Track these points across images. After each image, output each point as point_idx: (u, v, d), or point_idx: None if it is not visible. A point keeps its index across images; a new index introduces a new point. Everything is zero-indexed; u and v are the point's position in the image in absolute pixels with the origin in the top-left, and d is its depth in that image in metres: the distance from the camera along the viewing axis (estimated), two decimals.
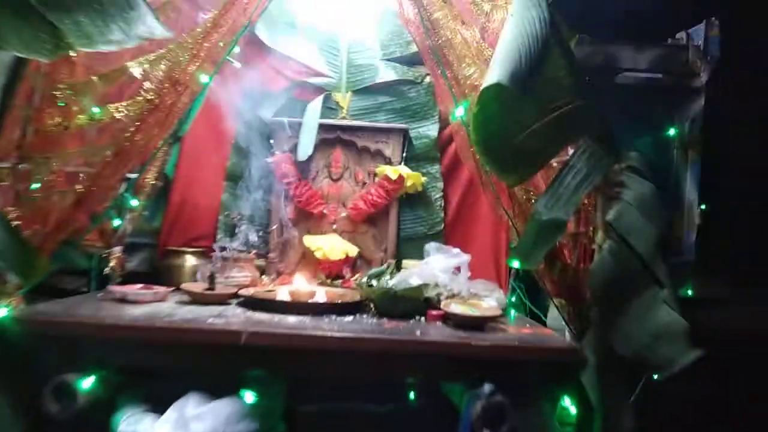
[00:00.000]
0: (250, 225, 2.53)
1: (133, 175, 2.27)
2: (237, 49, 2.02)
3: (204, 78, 1.75)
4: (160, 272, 2.42)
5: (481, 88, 1.42)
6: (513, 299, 2.36)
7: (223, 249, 2.41)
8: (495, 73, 1.41)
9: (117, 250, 2.36)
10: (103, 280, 2.28)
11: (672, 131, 2.47)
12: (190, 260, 2.40)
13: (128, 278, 2.38)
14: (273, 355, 1.69)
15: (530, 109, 1.51)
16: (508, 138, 1.49)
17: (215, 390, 1.77)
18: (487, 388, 1.66)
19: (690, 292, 2.36)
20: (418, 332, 1.76)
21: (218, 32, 1.71)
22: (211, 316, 1.83)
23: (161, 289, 2.09)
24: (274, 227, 2.52)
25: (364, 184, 2.58)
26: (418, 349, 1.69)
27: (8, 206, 1.73)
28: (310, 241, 2.48)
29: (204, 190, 2.56)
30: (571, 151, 1.72)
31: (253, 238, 2.51)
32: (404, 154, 2.55)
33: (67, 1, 1.43)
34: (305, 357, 1.67)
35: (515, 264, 1.67)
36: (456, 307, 1.93)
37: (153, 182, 2.40)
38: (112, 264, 2.32)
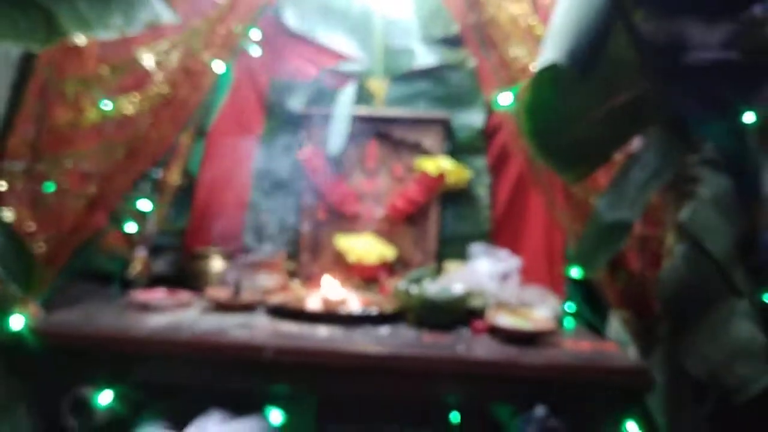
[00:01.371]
0: (280, 225, 2.48)
1: (156, 174, 2.25)
2: (257, 35, 1.93)
3: (220, 67, 1.69)
4: (185, 275, 2.39)
5: (535, 69, 1.30)
6: (569, 308, 2.22)
7: (248, 251, 2.37)
8: (550, 51, 1.30)
9: (142, 252, 2.35)
10: (128, 284, 2.28)
11: (748, 116, 2.30)
12: (216, 262, 2.37)
13: (153, 281, 2.38)
14: (301, 371, 1.62)
15: (592, 94, 1.39)
16: (567, 128, 1.37)
17: (239, 407, 1.72)
18: (540, 411, 1.56)
19: None
20: (461, 348, 1.66)
21: (235, 15, 1.64)
22: (235, 326, 1.78)
23: (185, 296, 2.06)
24: (306, 228, 2.45)
25: (402, 180, 2.48)
26: (460, 368, 1.59)
27: (24, 210, 1.72)
28: (343, 242, 2.41)
29: (230, 188, 2.52)
30: (637, 142, 1.59)
31: (284, 239, 2.47)
32: (446, 147, 2.44)
33: None
34: (336, 374, 1.60)
35: (574, 272, 1.55)
36: (504, 319, 1.82)
37: (177, 180, 2.38)
38: (136, 267, 2.32)
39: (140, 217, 2.13)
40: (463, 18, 1.76)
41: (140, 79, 1.68)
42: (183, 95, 1.66)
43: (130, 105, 1.64)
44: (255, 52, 2.09)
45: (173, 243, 2.52)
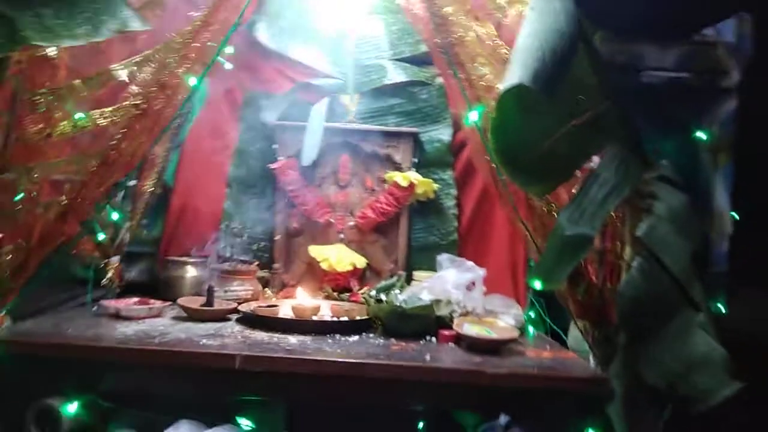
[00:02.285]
0: (253, 234, 2.40)
1: (131, 183, 2.15)
2: (230, 50, 1.87)
3: (193, 81, 1.61)
4: (159, 283, 2.29)
5: (501, 89, 1.26)
6: (532, 315, 2.19)
7: (223, 260, 2.28)
8: (516, 72, 1.25)
9: (115, 260, 2.24)
10: (101, 292, 2.17)
11: (700, 134, 2.30)
12: (191, 271, 2.26)
13: (127, 289, 2.27)
14: (271, 380, 1.54)
15: (555, 113, 1.35)
16: (531, 145, 1.33)
17: (209, 417, 1.63)
18: (503, 419, 1.51)
19: (722, 306, 2.21)
20: (428, 357, 1.60)
21: (209, 31, 1.57)
22: (206, 335, 1.70)
23: (157, 304, 1.96)
24: (278, 237, 2.37)
25: (373, 191, 2.43)
26: (427, 377, 1.53)
27: None
28: (316, 251, 2.34)
29: (205, 198, 2.42)
30: (596, 159, 1.56)
31: (257, 248, 2.38)
32: (415, 160, 2.40)
33: None
34: (306, 382, 1.53)
35: (536, 284, 1.51)
36: (470, 328, 1.77)
37: (152, 189, 2.28)
38: (110, 275, 2.21)
39: (113, 225, 2.03)
40: (431, 37, 1.70)
41: (113, 91, 1.60)
42: (157, 108, 1.58)
43: (103, 117, 1.55)
44: (228, 66, 2.01)
45: (147, 251, 2.42)
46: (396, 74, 2.44)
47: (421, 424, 1.65)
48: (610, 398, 1.51)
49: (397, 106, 2.45)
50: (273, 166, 2.36)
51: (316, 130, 2.33)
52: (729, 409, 1.49)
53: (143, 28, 1.36)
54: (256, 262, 2.31)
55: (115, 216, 1.88)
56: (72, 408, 1.53)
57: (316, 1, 2.32)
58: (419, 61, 2.45)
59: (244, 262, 2.31)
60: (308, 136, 2.33)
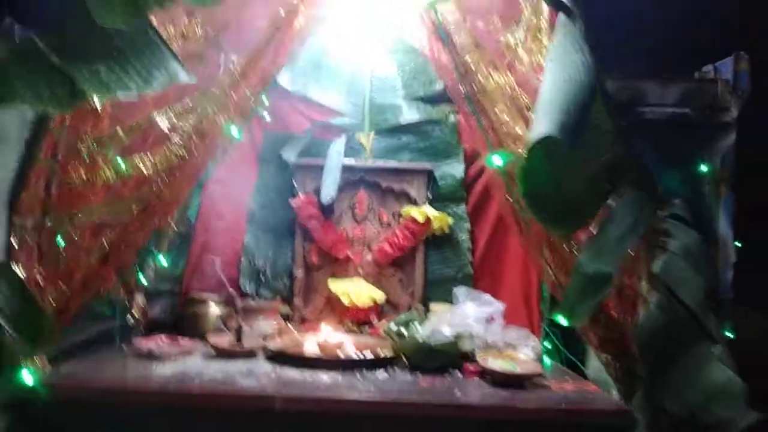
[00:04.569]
0: (274, 270, 2.47)
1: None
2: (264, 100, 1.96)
3: (234, 131, 1.69)
4: (182, 320, 2.34)
5: (530, 139, 1.35)
6: (547, 345, 2.26)
7: (245, 295, 2.34)
8: (543, 124, 1.35)
9: (139, 299, 2.30)
10: (125, 330, 2.22)
11: (702, 167, 2.40)
12: (213, 308, 2.32)
13: (150, 327, 2.32)
14: (307, 419, 1.60)
15: (576, 159, 1.44)
16: (558, 189, 1.42)
17: None
18: None
19: (729, 332, 2.29)
20: (458, 393, 1.67)
21: (247, 82, 1.66)
22: (240, 373, 1.75)
23: (187, 343, 2.02)
24: (299, 272, 2.44)
25: (389, 225, 2.51)
26: (460, 413, 1.60)
27: (32, 265, 1.67)
28: (336, 285, 2.41)
29: (226, 235, 2.49)
30: (612, 200, 1.65)
31: (278, 284, 2.45)
32: (429, 195, 2.48)
33: (86, 50, 1.38)
34: (342, 420, 1.58)
35: (562, 321, 1.59)
36: (494, 363, 1.84)
37: (175, 228, 2.34)
38: (134, 313, 2.27)
39: (142, 266, 2.09)
40: (454, 86, 1.80)
41: (155, 139, 1.67)
42: (197, 156, 1.66)
43: (144, 165, 1.62)
44: (267, 118, 2.11)
45: (170, 288, 2.47)
46: (410, 113, 2.54)
47: None
48: (634, 429, 1.58)
49: (412, 143, 2.55)
50: (293, 203, 2.43)
51: (335, 168, 2.42)
52: None
53: (190, 80, 1.44)
54: (279, 298, 2.37)
55: (162, 259, 1.94)
56: None
57: (334, 42, 2.42)
58: (432, 99, 2.55)
59: (266, 298, 2.37)
60: (327, 174, 2.41)
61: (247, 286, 2.45)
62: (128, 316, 2.24)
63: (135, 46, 1.36)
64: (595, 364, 1.96)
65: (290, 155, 2.48)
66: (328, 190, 2.41)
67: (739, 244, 2.34)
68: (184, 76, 1.43)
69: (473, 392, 1.69)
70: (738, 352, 1.68)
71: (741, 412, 1.49)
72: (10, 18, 1.71)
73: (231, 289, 2.27)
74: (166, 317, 2.44)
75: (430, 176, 2.49)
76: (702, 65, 2.45)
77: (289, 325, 2.34)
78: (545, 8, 1.63)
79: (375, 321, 2.38)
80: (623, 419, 1.58)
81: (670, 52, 2.57)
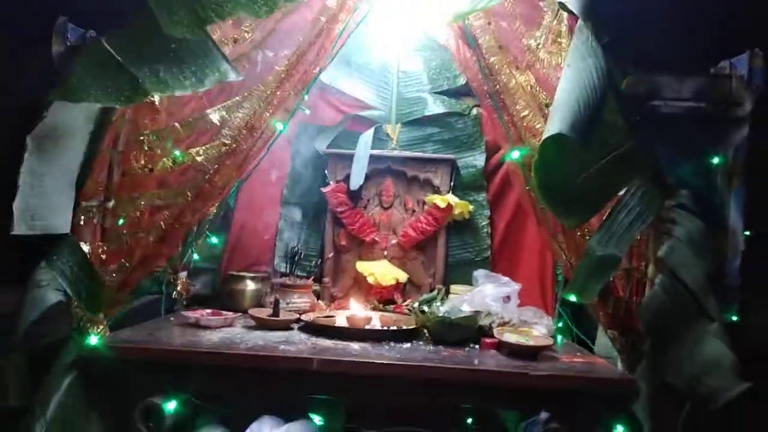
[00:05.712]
0: (306, 252, 2.67)
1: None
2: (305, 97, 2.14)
3: (279, 126, 1.89)
4: (221, 296, 2.56)
5: (543, 137, 1.52)
6: (560, 324, 2.43)
7: (284, 275, 2.55)
8: (556, 122, 1.51)
9: (183, 275, 2.52)
10: (171, 303, 2.44)
11: (716, 159, 2.52)
12: (250, 284, 2.52)
13: (192, 301, 2.55)
14: (338, 381, 1.80)
15: (589, 154, 1.60)
16: (569, 182, 1.59)
17: (281, 413, 1.89)
18: (543, 416, 1.74)
19: (735, 316, 2.43)
20: (476, 361, 1.86)
21: (290, 81, 1.85)
22: (279, 341, 1.96)
23: (229, 315, 2.23)
24: (330, 255, 2.64)
25: (414, 212, 2.69)
26: (477, 378, 1.78)
27: (96, 242, 1.88)
28: (363, 267, 2.60)
29: (262, 218, 2.69)
30: (622, 191, 1.80)
31: (309, 265, 2.65)
32: (452, 183, 2.65)
33: (146, 50, 1.58)
34: (371, 383, 1.78)
35: (572, 298, 1.76)
36: (509, 336, 2.02)
37: (216, 211, 2.55)
38: (178, 288, 2.49)
39: (190, 245, 2.30)
40: (479, 85, 1.97)
41: (208, 132, 1.87)
42: (245, 147, 1.86)
43: (198, 155, 1.83)
44: (307, 113, 2.31)
45: (210, 266, 2.68)
46: (435, 106, 2.71)
47: (469, 420, 1.91)
48: (636, 397, 1.75)
49: (436, 134, 2.72)
50: (324, 189, 2.63)
51: (363, 157, 2.60)
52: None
53: (238, 79, 1.63)
54: (312, 277, 2.57)
55: (214, 240, 2.15)
56: (171, 406, 1.79)
57: (364, 39, 2.60)
58: (456, 93, 2.72)
59: (299, 277, 2.58)
60: (356, 163, 2.60)
61: (281, 266, 2.65)
62: (173, 291, 2.47)
63: (189, 48, 1.55)
64: (603, 341, 2.13)
65: (322, 145, 2.67)
66: (357, 178, 2.59)
67: (748, 233, 2.48)
68: (233, 75, 1.62)
69: (489, 361, 1.87)
70: (747, 340, 1.83)
71: (732, 383, 1.64)
72: (63, 17, 1.92)
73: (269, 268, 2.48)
74: (207, 293, 2.66)
75: (453, 166, 2.66)
76: (718, 61, 2.57)
77: (320, 302, 2.55)
78: (565, 14, 1.79)
79: (399, 300, 2.57)
80: (626, 388, 1.75)
81: (688, 48, 2.69)
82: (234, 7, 1.42)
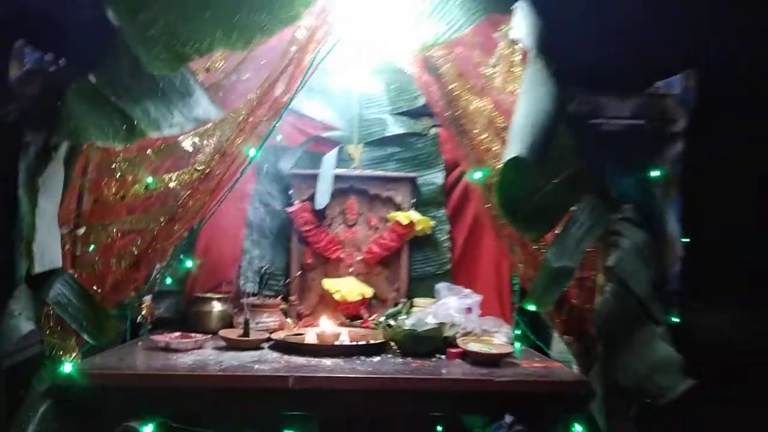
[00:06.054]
0: (271, 271, 2.72)
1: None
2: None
3: (251, 152, 1.96)
4: (186, 318, 2.58)
5: (503, 160, 1.65)
6: (517, 332, 2.57)
7: (251, 295, 2.59)
8: (514, 146, 1.64)
9: (148, 299, 2.53)
10: (135, 328, 2.45)
11: (655, 172, 2.69)
12: (217, 305, 2.56)
13: (156, 325, 2.55)
14: (313, 396, 1.86)
15: (544, 174, 1.74)
16: (527, 200, 1.72)
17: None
18: (508, 419, 1.87)
19: (676, 318, 2.62)
20: (444, 370, 1.96)
21: (262, 108, 1.92)
22: (253, 361, 2.01)
23: (200, 337, 2.26)
24: (298, 273, 2.71)
25: (377, 229, 2.79)
26: (446, 387, 1.89)
27: (67, 269, 1.89)
28: (329, 284, 2.68)
29: (227, 240, 2.73)
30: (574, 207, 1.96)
31: (276, 283, 2.70)
32: (413, 200, 2.77)
33: (135, 91, 1.62)
34: (347, 396, 1.85)
35: (531, 307, 1.90)
36: (473, 346, 2.14)
37: (188, 235, 2.57)
38: (143, 312, 2.49)
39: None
40: (442, 112, 2.10)
41: (180, 158, 1.92)
42: (218, 173, 1.91)
43: (170, 180, 1.87)
44: (279, 138, 2.40)
45: (174, 289, 2.70)
46: (395, 126, 2.83)
47: (439, 428, 2.01)
48: (591, 397, 1.90)
49: (397, 154, 2.84)
50: (289, 209, 2.70)
51: (328, 177, 2.69)
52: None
53: (219, 116, 1.70)
54: (280, 296, 2.63)
55: (189, 264, 2.18)
56: (148, 430, 1.82)
57: (327, 63, 2.69)
58: (415, 114, 2.86)
59: (267, 296, 2.63)
60: (321, 183, 2.68)
61: (248, 287, 2.70)
62: (137, 315, 2.47)
63: (174, 86, 1.61)
64: (558, 347, 2.28)
65: (286, 165, 2.74)
66: (322, 197, 2.68)
67: (687, 240, 2.69)
68: (216, 114, 1.68)
69: (456, 369, 1.99)
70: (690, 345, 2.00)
71: (678, 380, 1.81)
72: (22, 40, 1.93)
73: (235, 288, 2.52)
74: (171, 315, 2.68)
75: (413, 184, 2.78)
76: (654, 80, 2.79)
77: (288, 320, 2.61)
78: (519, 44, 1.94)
79: (365, 315, 2.66)
80: (583, 390, 1.89)
81: (628, 70, 2.91)
82: (212, 43, 1.48)
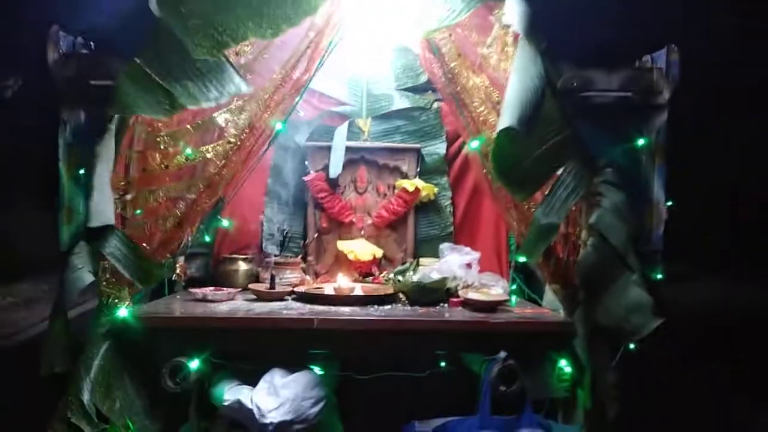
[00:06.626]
0: (290, 234, 3.02)
1: None
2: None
3: (278, 125, 2.25)
4: (215, 277, 2.89)
5: (497, 130, 1.92)
6: (514, 287, 2.87)
7: (276, 255, 2.89)
8: (506, 118, 1.91)
9: (181, 260, 2.83)
10: (170, 285, 2.75)
11: (641, 141, 2.92)
12: (242, 265, 2.86)
13: (189, 283, 2.86)
14: (335, 337, 2.17)
15: (533, 142, 2.01)
16: (518, 165, 2.00)
17: (287, 366, 2.25)
18: (501, 354, 2.17)
19: (659, 275, 2.89)
20: (447, 315, 2.27)
21: (285, 87, 2.19)
22: (280, 308, 2.32)
23: (231, 290, 2.57)
24: (315, 236, 3.00)
25: (385, 195, 3.07)
26: (448, 327, 2.20)
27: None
28: (343, 245, 2.97)
29: (249, 207, 3.02)
30: (560, 170, 2.23)
31: (294, 246, 3.00)
32: (418, 169, 3.04)
33: (175, 70, 1.90)
34: (363, 336, 2.17)
35: (522, 258, 2.19)
36: (473, 295, 2.44)
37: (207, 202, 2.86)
38: (177, 271, 2.80)
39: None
40: (443, 88, 2.36)
41: (215, 132, 2.21)
42: (248, 144, 2.20)
43: (207, 152, 2.16)
44: (301, 114, 2.78)
45: (204, 251, 3.00)
46: (401, 101, 3.09)
47: (443, 364, 2.32)
48: (575, 336, 2.20)
49: (403, 127, 3.10)
50: (306, 178, 2.98)
51: (339, 148, 2.96)
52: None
53: (249, 90, 1.98)
54: (300, 256, 2.93)
55: (225, 223, 2.50)
56: (194, 365, 2.13)
57: (339, 44, 2.94)
58: (419, 89, 3.11)
59: (288, 256, 2.94)
60: (333, 153, 2.96)
61: (269, 249, 3.00)
62: (173, 274, 2.78)
63: (209, 66, 1.89)
64: (548, 297, 2.57)
65: (302, 138, 3.02)
66: (335, 167, 2.95)
67: (670, 204, 2.95)
68: (245, 88, 1.96)
69: (457, 314, 2.30)
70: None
71: (650, 320, 2.10)
72: (57, 26, 2.19)
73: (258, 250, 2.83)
74: (202, 274, 2.98)
75: (418, 154, 3.04)
76: (641, 54, 3.01)
77: (307, 277, 2.91)
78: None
79: (376, 272, 2.96)
80: (567, 329, 2.19)
81: (616, 45, 3.15)
82: (246, 32, 1.76)
